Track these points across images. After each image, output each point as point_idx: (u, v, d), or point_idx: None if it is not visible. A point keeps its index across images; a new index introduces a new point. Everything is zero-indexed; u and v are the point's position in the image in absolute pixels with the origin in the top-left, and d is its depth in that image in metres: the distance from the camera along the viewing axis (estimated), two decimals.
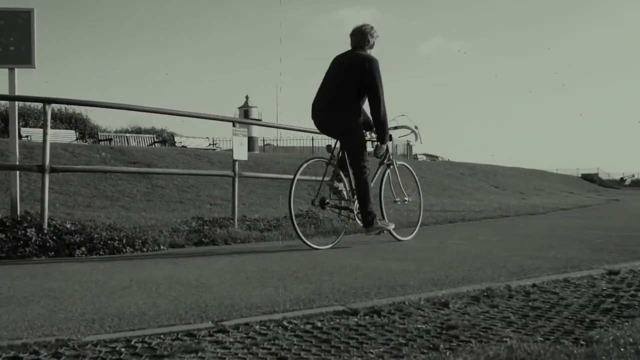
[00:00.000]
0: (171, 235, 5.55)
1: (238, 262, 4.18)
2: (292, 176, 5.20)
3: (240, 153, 6.58)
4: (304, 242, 5.04)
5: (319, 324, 2.37)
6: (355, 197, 5.25)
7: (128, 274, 3.64)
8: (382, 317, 2.48)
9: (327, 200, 5.21)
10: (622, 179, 57.22)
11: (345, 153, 5.22)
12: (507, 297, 2.92)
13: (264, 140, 33.49)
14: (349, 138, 5.18)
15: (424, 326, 2.35)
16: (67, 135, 19.77)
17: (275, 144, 34.32)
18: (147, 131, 27.72)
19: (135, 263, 4.20)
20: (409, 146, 33.67)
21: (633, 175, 60.70)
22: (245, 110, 28.68)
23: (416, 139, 5.98)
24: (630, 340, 2.07)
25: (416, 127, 5.88)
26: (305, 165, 5.16)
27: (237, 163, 6.61)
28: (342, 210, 5.44)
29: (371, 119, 5.26)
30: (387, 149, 5.54)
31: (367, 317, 2.49)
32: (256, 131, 27.40)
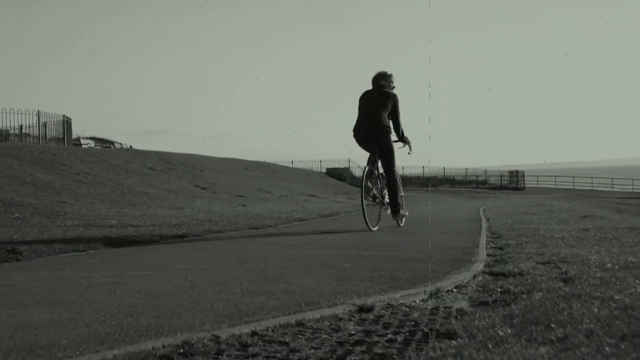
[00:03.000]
0: None
1: None
2: None
3: None
4: (369, 227, 10.15)
5: None
6: (386, 191, 10.93)
7: None
8: None
9: (377, 196, 10.76)
10: None
11: (384, 161, 10.81)
12: (214, 354, 3.01)
13: None
14: (390, 152, 10.79)
15: None
16: None
17: None
18: None
19: None
20: (64, 125, 33.48)
21: None
22: None
23: (410, 150, 11.24)
24: None
25: (409, 141, 11.17)
26: (367, 169, 10.60)
27: None
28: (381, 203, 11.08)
29: (394, 131, 11.01)
30: None
31: None
32: None
